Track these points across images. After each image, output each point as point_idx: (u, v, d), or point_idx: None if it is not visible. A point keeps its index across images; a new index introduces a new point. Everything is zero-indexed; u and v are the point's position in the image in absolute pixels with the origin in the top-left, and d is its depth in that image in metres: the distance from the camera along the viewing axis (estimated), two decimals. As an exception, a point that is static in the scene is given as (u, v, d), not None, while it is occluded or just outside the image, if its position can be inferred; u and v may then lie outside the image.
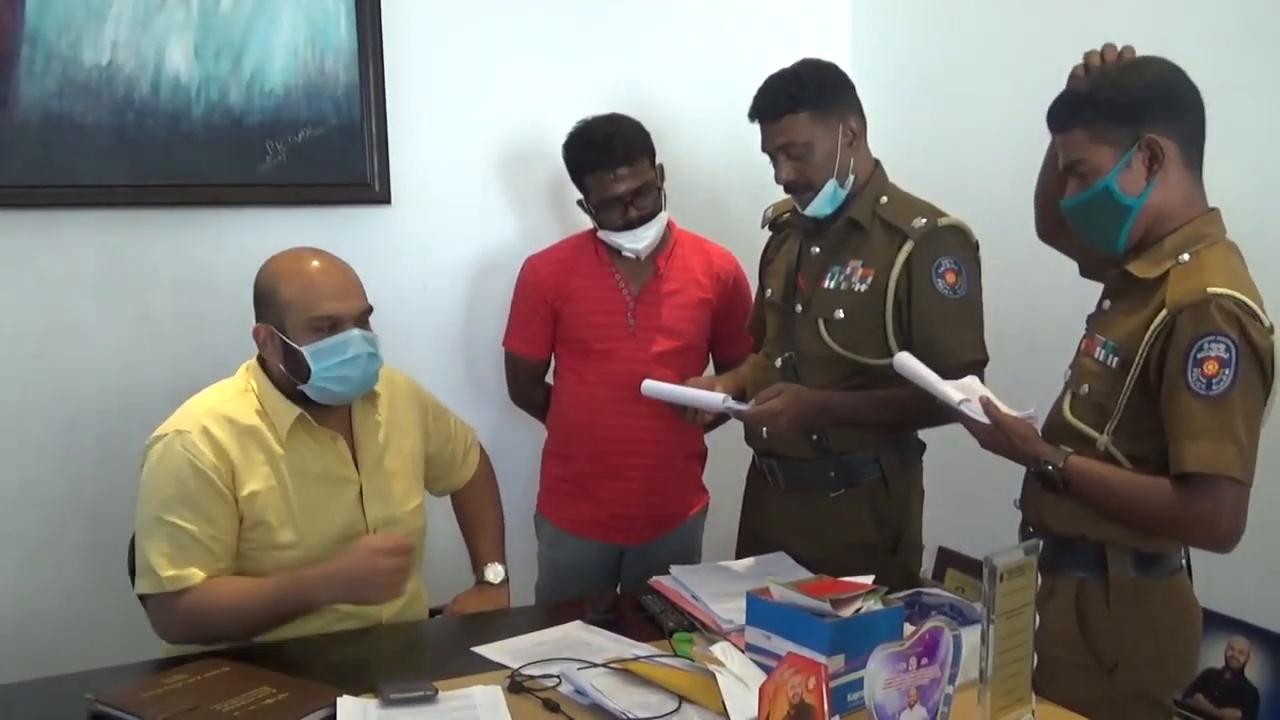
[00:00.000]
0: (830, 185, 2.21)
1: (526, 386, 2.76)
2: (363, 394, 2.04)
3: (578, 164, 2.51)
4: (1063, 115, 1.80)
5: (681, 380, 2.41)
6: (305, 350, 1.94)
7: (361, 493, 2.04)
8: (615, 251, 2.55)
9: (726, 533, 2.62)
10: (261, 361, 2.03)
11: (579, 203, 2.58)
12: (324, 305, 1.95)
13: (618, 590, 2.67)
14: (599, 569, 2.67)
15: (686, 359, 2.59)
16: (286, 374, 1.97)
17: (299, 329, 1.95)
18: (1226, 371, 1.63)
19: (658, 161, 2.54)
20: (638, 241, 2.50)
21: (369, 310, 2.02)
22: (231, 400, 1.98)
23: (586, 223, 2.63)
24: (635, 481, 2.59)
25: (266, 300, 1.98)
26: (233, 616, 1.90)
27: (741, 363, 2.64)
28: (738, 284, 2.69)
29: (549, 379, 2.76)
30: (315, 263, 1.99)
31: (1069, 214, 1.84)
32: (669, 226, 2.59)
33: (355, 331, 1.97)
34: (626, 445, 2.57)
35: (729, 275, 2.66)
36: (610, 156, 2.44)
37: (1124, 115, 1.73)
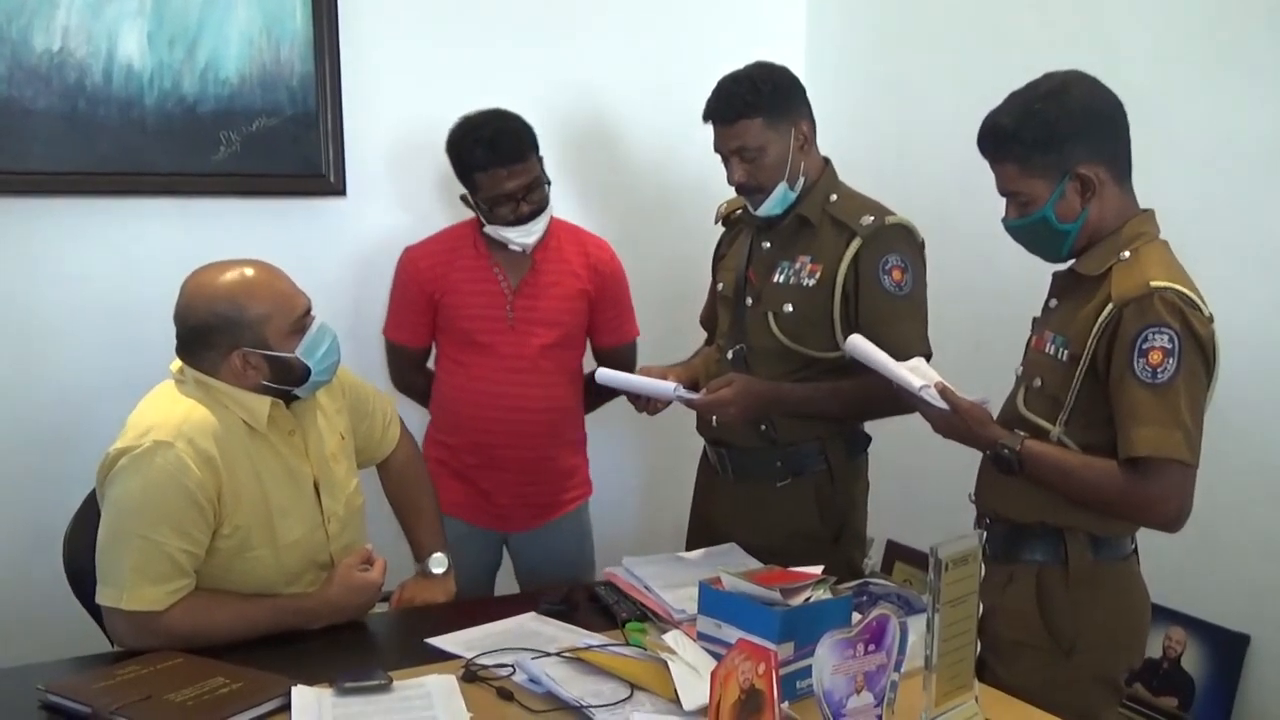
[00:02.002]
0: (781, 188, 2.25)
1: (408, 373, 2.75)
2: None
3: (467, 162, 2.50)
4: (992, 149, 1.85)
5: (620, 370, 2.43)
6: (298, 354, 1.94)
7: (316, 485, 2.03)
8: (494, 244, 2.56)
9: (675, 523, 2.65)
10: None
11: (463, 198, 2.57)
12: (296, 304, 1.96)
13: (494, 576, 2.72)
14: (481, 553, 2.67)
15: (566, 349, 2.63)
16: (273, 385, 1.94)
17: (282, 336, 1.93)
18: (1170, 360, 1.70)
19: (540, 154, 2.54)
20: (529, 235, 2.52)
21: None
22: (201, 407, 1.91)
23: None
24: (514, 472, 2.61)
25: (233, 325, 1.90)
26: (221, 637, 1.87)
27: (622, 350, 2.71)
28: (614, 273, 2.71)
29: (431, 365, 2.75)
30: (258, 270, 1.95)
31: (1011, 232, 1.91)
32: None
33: (318, 319, 1.99)
34: (507, 438, 2.58)
35: (605, 265, 2.69)
36: (501, 154, 2.45)
37: (1052, 150, 1.79)
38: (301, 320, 1.96)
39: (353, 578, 2.00)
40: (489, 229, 2.54)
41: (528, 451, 2.60)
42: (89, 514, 2.04)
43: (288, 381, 1.96)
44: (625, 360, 2.74)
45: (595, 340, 2.74)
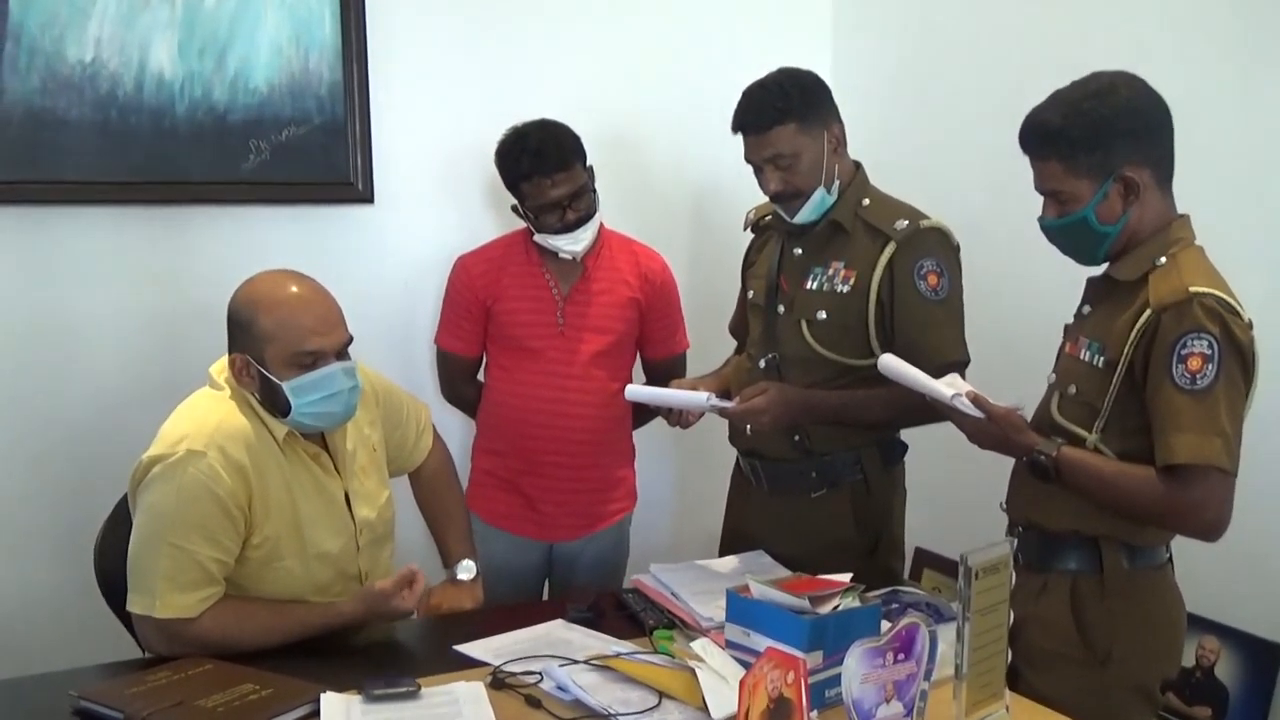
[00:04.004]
0: (819, 193, 2.23)
1: (459, 384, 2.76)
2: (341, 425, 2.02)
3: (513, 172, 2.52)
4: (1036, 145, 1.83)
5: (662, 382, 2.43)
6: (285, 386, 1.89)
7: (347, 497, 2.04)
8: (546, 251, 2.56)
9: (706, 532, 2.64)
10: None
11: (514, 208, 2.58)
12: (307, 341, 1.89)
13: (545, 586, 2.71)
14: (529, 564, 2.67)
15: (615, 358, 2.62)
16: (264, 403, 1.94)
17: (279, 362, 1.89)
18: (1210, 366, 1.68)
19: (589, 163, 2.56)
20: (576, 243, 2.53)
21: (350, 340, 1.97)
22: (235, 415, 1.91)
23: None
24: (562, 480, 2.61)
25: (244, 329, 1.91)
26: (250, 644, 1.88)
27: (671, 363, 2.70)
28: (665, 283, 2.71)
29: (480, 376, 2.75)
30: (296, 291, 1.92)
31: (1047, 232, 1.88)
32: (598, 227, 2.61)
33: (336, 366, 1.92)
34: (555, 444, 2.59)
35: (656, 275, 2.69)
36: (546, 163, 2.46)
37: (1099, 150, 1.77)
38: (306, 357, 1.90)
39: (385, 606, 1.95)
40: (538, 237, 2.55)
41: (574, 459, 2.60)
42: (120, 521, 2.06)
43: (274, 406, 1.93)
44: (674, 373, 2.72)
45: (645, 352, 2.74)
